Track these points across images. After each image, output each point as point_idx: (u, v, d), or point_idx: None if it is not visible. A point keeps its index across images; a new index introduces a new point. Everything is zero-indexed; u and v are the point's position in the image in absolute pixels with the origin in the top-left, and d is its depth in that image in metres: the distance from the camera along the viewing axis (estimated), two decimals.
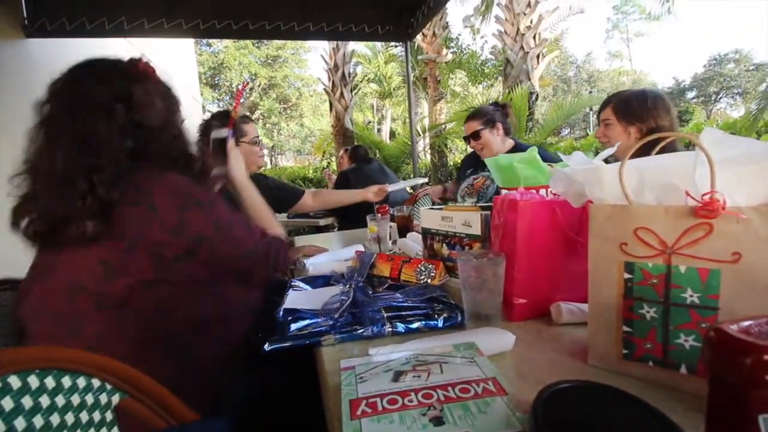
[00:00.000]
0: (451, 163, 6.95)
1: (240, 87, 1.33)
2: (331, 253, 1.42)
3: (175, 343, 0.75)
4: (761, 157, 0.51)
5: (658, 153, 0.63)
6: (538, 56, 5.33)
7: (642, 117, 1.40)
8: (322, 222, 3.18)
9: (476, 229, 1.00)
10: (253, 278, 0.88)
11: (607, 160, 1.02)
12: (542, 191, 1.07)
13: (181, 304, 0.75)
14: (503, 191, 1.08)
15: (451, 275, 1.07)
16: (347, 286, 0.94)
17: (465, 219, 1.03)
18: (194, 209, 0.75)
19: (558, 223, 0.81)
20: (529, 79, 5.15)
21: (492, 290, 0.78)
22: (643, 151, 0.62)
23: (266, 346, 0.73)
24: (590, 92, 25.00)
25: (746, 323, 0.34)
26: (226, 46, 19.91)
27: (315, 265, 1.27)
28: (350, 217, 2.67)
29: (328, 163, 8.63)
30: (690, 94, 27.65)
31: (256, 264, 0.87)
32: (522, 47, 5.28)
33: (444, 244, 1.09)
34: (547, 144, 4.70)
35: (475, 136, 2.09)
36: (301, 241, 1.89)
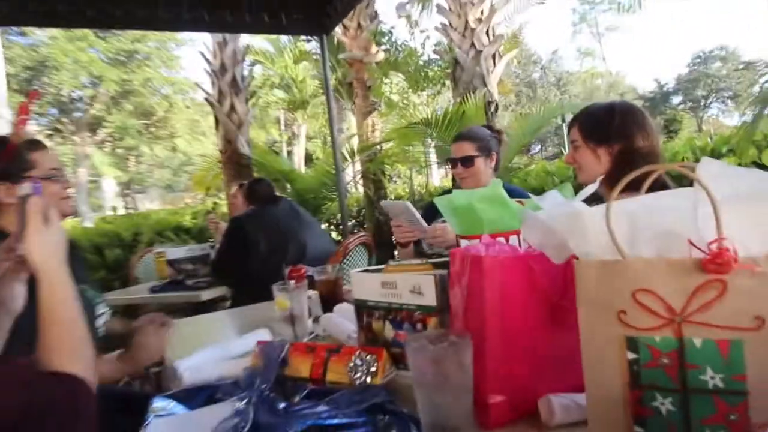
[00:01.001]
0: (392, 196, 7.10)
1: (25, 100, 1.22)
2: (218, 347, 1.36)
3: None
4: None
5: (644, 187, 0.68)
6: (494, 56, 5.76)
7: (610, 135, 1.54)
8: (206, 295, 3.03)
9: (430, 298, 1.00)
10: None
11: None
12: (513, 238, 1.11)
13: None
14: (462, 241, 1.11)
15: (400, 367, 1.05)
16: (244, 402, 0.89)
17: (414, 284, 1.03)
18: None
19: (537, 284, 0.84)
20: (485, 85, 5.54)
21: (458, 388, 0.76)
22: (632, 186, 0.67)
23: None
24: (560, 98, 27.61)
25: None
26: (52, 36, 19.04)
27: (192, 369, 1.20)
28: (249, 286, 2.56)
29: (214, 204, 8.41)
30: (676, 99, 31.78)
31: None
32: (473, 45, 5.71)
33: (387, 322, 1.08)
34: (513, 168, 5.01)
35: (466, 161, 2.22)
36: (181, 329, 1.73)
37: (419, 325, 1.03)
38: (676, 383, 0.60)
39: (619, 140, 1.53)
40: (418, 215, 2.00)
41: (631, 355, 0.63)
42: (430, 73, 6.06)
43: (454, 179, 2.49)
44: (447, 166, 2.48)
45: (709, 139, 3.55)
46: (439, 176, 16.14)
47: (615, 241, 0.63)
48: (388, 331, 1.08)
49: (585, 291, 0.65)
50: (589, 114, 1.61)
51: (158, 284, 3.27)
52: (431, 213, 2.31)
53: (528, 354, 0.84)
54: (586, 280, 0.65)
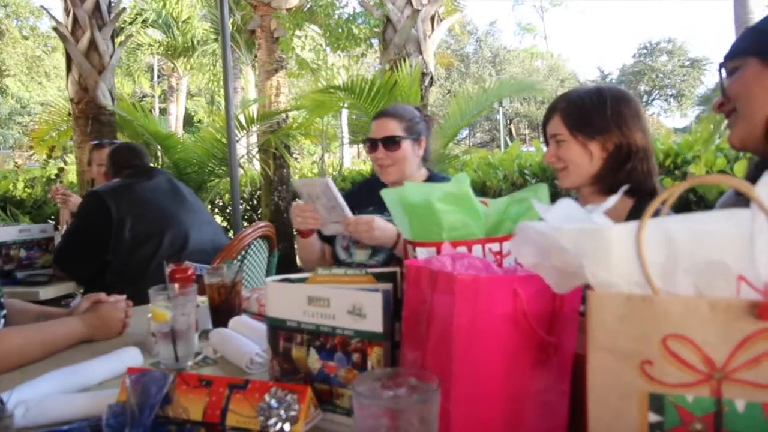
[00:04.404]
0: (296, 176, 6.95)
1: None
2: (67, 372, 1.26)
3: None
4: None
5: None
6: (432, 18, 5.78)
7: (603, 127, 1.56)
8: (46, 293, 2.76)
9: (374, 322, 0.96)
10: None
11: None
12: (476, 248, 1.08)
13: None
14: (418, 249, 1.06)
15: (328, 409, 1.01)
16: None
17: (354, 302, 0.98)
18: None
19: (522, 314, 0.81)
20: (421, 53, 5.56)
21: None
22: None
23: None
24: (497, 77, 28.75)
25: None
26: None
27: (30, 404, 1.09)
28: (108, 284, 2.36)
29: (60, 171, 7.79)
30: None
31: None
32: (410, 1, 5.70)
33: (312, 350, 1.03)
34: (449, 156, 5.08)
35: (390, 143, 2.14)
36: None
37: (356, 356, 0.99)
38: None
39: (614, 133, 1.55)
40: (340, 198, 1.89)
41: (653, 417, 0.60)
42: (355, 30, 5.94)
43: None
44: (364, 147, 2.35)
45: (657, 143, 3.79)
46: (349, 156, 16.15)
47: (646, 272, 0.59)
48: (314, 362, 1.03)
49: (601, 332, 0.62)
50: (574, 101, 1.61)
51: None
52: (364, 194, 2.24)
53: (504, 400, 0.83)
54: (603, 318, 0.62)
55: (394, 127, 2.17)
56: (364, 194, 2.23)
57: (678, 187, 0.61)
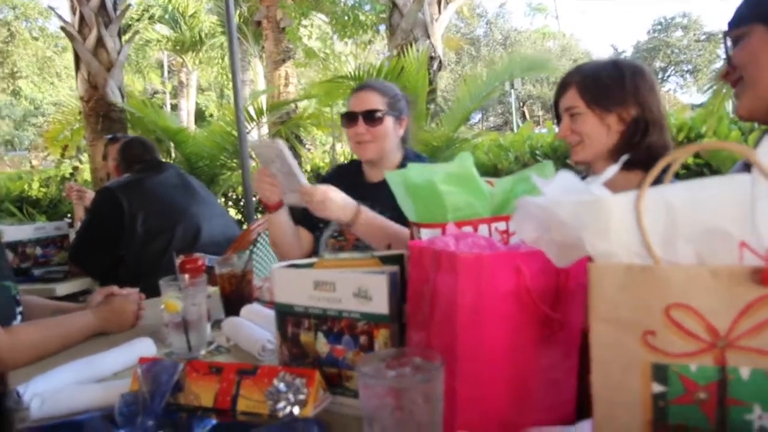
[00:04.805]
0: (309, 168, 6.97)
1: None
2: (81, 363, 1.29)
3: None
4: None
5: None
6: (439, 2, 5.73)
7: (621, 99, 1.55)
8: (62, 289, 2.79)
9: (380, 304, 0.97)
10: None
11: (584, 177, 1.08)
12: (482, 228, 1.08)
13: None
14: (422, 231, 1.06)
15: (337, 392, 1.02)
16: None
17: (359, 285, 0.98)
18: None
19: (525, 290, 0.80)
20: (428, 36, 5.53)
21: (423, 427, 0.73)
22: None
23: None
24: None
25: None
26: None
27: (45, 396, 1.12)
28: (122, 279, 2.39)
29: (74, 169, 7.88)
30: None
31: None
32: None
33: (320, 334, 1.04)
34: (459, 139, 5.06)
35: (372, 117, 1.99)
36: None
37: (363, 339, 1.00)
38: (713, 424, 0.58)
39: (632, 106, 1.54)
40: (295, 165, 1.75)
41: (657, 387, 0.60)
42: (362, 17, 5.91)
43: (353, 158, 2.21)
44: (342, 122, 2.13)
45: (688, 119, 3.73)
46: None
47: (646, 241, 0.59)
48: (322, 346, 1.04)
49: (602, 303, 0.62)
50: (590, 74, 1.60)
51: None
52: (336, 181, 1.98)
53: (509, 378, 0.83)
54: (604, 289, 0.61)
55: (376, 101, 2.02)
56: (338, 184, 1.92)
57: (681, 153, 0.60)
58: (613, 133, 1.56)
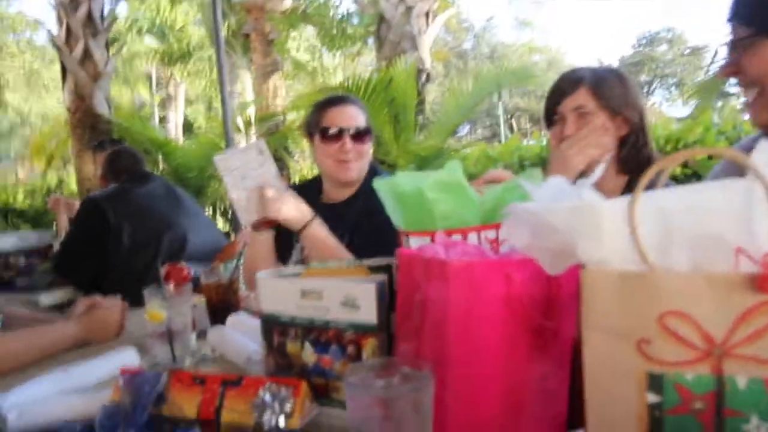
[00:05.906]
0: (297, 179, 6.96)
1: None
2: (61, 373, 1.27)
3: None
4: None
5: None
6: (426, 14, 5.78)
7: (627, 104, 1.56)
8: (46, 299, 2.73)
9: (368, 313, 0.96)
10: None
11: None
12: (471, 236, 1.07)
13: None
14: (411, 239, 1.05)
15: (324, 403, 1.01)
16: None
17: (347, 294, 0.97)
18: None
19: (516, 298, 0.79)
20: (416, 48, 5.56)
21: None
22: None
23: None
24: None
25: None
26: None
27: (23, 407, 1.10)
28: (106, 289, 2.35)
29: (60, 182, 7.83)
30: None
31: None
32: None
33: (307, 344, 1.02)
34: (447, 150, 5.07)
35: (362, 136, 1.90)
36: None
37: (351, 348, 0.99)
38: None
39: (635, 111, 1.57)
40: (272, 161, 1.72)
41: (652, 398, 0.59)
42: (350, 30, 5.94)
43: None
44: (318, 136, 1.98)
45: (657, 131, 3.78)
46: None
47: (639, 247, 0.58)
48: (309, 356, 1.02)
49: (595, 312, 0.61)
50: (598, 75, 1.60)
51: None
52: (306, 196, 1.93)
53: (501, 388, 0.81)
54: (597, 297, 0.61)
55: (361, 118, 1.93)
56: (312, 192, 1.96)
57: (674, 158, 0.59)
58: (617, 137, 1.58)
